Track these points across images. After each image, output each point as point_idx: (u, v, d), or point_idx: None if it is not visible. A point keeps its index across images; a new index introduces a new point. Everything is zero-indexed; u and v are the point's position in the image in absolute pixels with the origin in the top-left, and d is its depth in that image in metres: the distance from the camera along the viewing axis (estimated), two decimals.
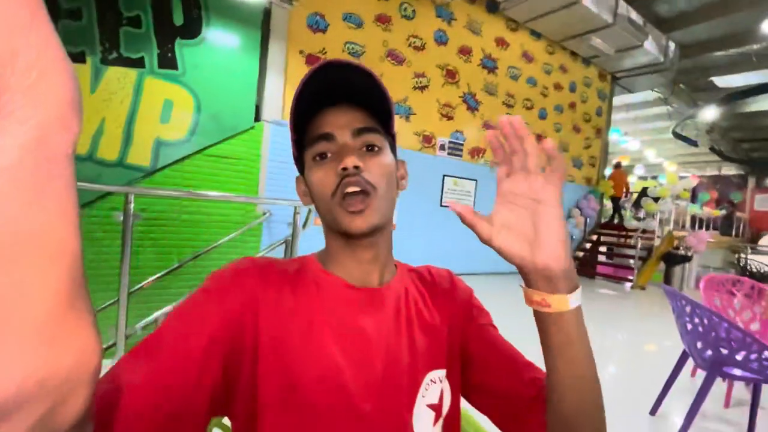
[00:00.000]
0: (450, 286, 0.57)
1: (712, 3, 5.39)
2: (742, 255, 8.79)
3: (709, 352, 1.53)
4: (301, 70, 3.63)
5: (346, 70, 0.46)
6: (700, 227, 7.85)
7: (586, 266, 6.64)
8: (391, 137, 0.52)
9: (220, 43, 3.25)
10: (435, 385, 0.49)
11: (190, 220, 3.21)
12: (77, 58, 2.62)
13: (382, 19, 4.07)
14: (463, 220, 0.41)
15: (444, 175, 4.80)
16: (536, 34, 5.49)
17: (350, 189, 0.44)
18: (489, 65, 5.10)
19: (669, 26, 5.88)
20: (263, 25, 3.43)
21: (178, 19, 3.05)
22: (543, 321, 0.41)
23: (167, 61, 3.03)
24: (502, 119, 0.38)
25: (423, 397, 0.47)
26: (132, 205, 1.80)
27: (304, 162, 0.50)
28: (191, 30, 3.12)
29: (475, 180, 5.04)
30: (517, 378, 0.50)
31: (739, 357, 1.45)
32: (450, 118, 4.81)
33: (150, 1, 2.91)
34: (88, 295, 0.16)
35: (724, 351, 1.50)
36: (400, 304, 0.50)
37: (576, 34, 5.38)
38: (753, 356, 1.41)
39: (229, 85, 3.30)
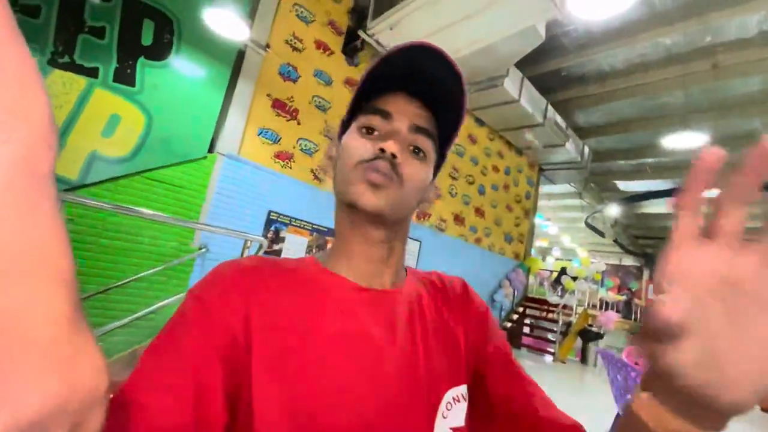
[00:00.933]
0: (465, 296, 0.51)
1: (618, 122, 6.63)
2: None
3: None
4: (265, 111, 3.65)
5: (435, 59, 0.42)
6: (607, 309, 8.72)
7: (513, 336, 6.91)
8: (441, 157, 0.49)
9: (187, 71, 3.19)
10: (459, 405, 0.43)
11: (110, 246, 2.83)
12: None
13: (350, 83, 4.34)
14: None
15: None
16: (480, 122, 6.21)
17: (379, 166, 0.41)
18: None
19: (585, 134, 7.04)
20: (235, 64, 3.47)
21: (147, 40, 2.98)
22: None
23: (124, 77, 2.88)
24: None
25: (444, 418, 0.41)
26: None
27: (349, 127, 0.46)
28: (158, 52, 3.04)
29: (420, 241, 5.20)
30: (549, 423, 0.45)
31: None
32: None
33: (120, 17, 2.83)
34: (85, 314, 0.16)
35: None
36: (414, 310, 0.45)
37: (513, 127, 6.18)
38: None
39: (188, 111, 3.19)
